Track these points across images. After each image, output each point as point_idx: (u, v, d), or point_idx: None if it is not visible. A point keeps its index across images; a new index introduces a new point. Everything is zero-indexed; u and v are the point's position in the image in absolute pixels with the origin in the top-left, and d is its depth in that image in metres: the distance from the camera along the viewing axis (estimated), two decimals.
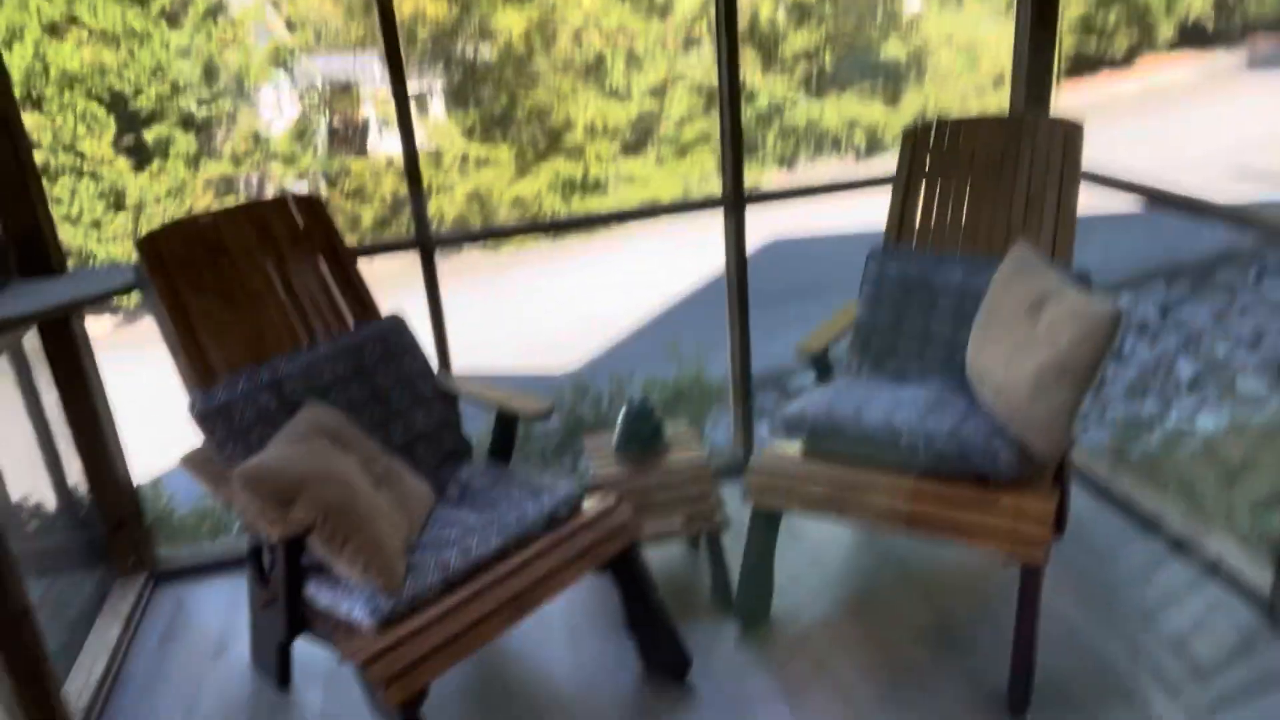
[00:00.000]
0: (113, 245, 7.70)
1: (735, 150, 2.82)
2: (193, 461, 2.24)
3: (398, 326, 2.55)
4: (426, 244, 2.75)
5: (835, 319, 2.71)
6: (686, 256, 7.65)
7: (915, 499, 2.14)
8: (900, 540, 2.77)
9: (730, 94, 2.75)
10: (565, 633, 2.53)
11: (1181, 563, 2.52)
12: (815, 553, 2.75)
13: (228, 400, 2.21)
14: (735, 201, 2.86)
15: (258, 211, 2.49)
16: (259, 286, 2.43)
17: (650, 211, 3.03)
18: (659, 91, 9.33)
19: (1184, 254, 5.77)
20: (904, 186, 2.73)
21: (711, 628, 2.48)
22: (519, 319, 6.79)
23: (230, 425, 2.19)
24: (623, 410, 2.74)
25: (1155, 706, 2.08)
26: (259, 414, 2.24)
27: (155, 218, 8.01)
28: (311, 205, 2.58)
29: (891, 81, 9.50)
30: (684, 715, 2.21)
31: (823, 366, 2.62)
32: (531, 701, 2.31)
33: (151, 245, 2.29)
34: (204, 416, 2.18)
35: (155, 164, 8.36)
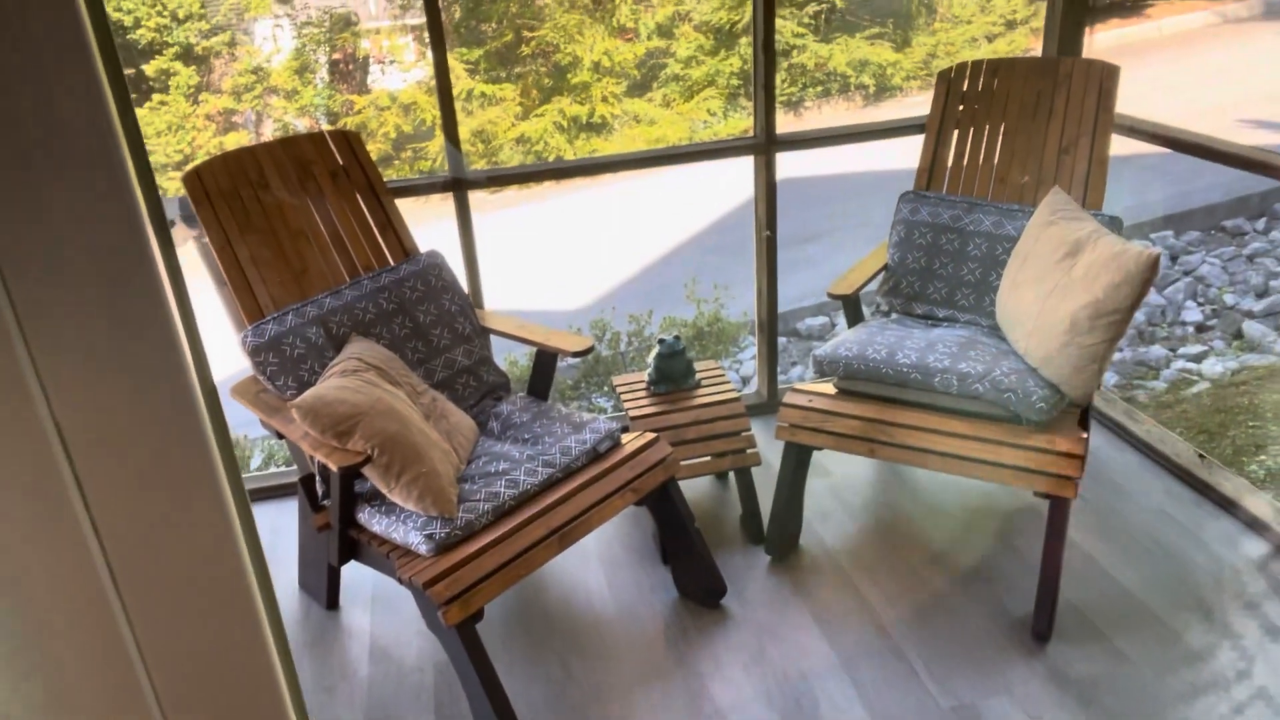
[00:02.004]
0: None
1: (768, 95, 2.82)
2: (243, 392, 2.29)
3: (437, 264, 2.58)
4: (462, 183, 2.77)
5: (865, 261, 2.76)
6: (694, 196, 7.63)
7: (949, 438, 2.21)
8: (920, 476, 2.86)
9: (765, 40, 2.74)
10: (601, 562, 2.62)
11: (1194, 499, 2.62)
12: (841, 488, 2.84)
13: (278, 334, 2.26)
14: (767, 146, 2.88)
15: (296, 146, 2.51)
16: (301, 223, 2.46)
17: (684, 155, 3.04)
18: (666, 32, 9.18)
19: (1193, 200, 5.79)
20: (937, 130, 2.75)
21: (742, 558, 2.58)
22: (525, 256, 6.79)
23: (281, 359, 2.24)
24: (655, 350, 2.79)
25: (1173, 635, 2.19)
26: (308, 348, 2.29)
27: (157, 152, 7.91)
28: (348, 140, 2.59)
29: (902, 24, 9.37)
30: (719, 637, 2.31)
31: (853, 309, 2.67)
32: (572, 625, 2.40)
33: (197, 179, 2.32)
34: (256, 350, 2.23)
35: (156, 98, 8.24)
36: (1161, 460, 2.77)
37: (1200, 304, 4.74)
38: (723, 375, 2.84)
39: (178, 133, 8.33)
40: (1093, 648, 2.16)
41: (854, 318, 2.68)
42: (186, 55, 8.43)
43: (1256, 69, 8.52)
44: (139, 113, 8.04)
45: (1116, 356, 4.37)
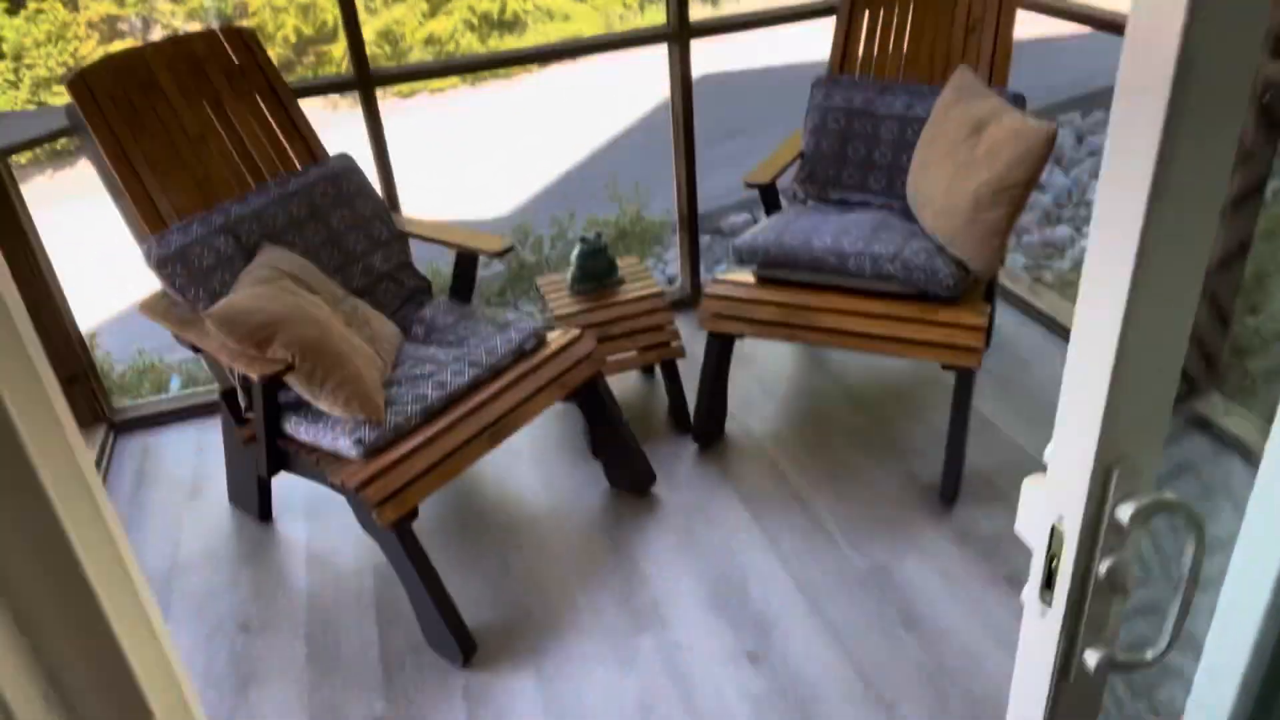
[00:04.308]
0: None
1: None
2: (152, 308, 2.23)
3: (348, 166, 2.52)
4: (367, 82, 2.68)
5: (781, 150, 2.77)
6: (612, 97, 7.49)
7: (861, 318, 2.29)
8: (841, 359, 2.96)
9: None
10: (533, 460, 2.67)
11: None
12: (764, 375, 2.93)
13: (184, 245, 2.19)
14: (680, 33, 2.83)
15: (187, 45, 2.38)
16: (199, 128, 2.36)
17: (596, 45, 2.97)
18: None
19: (1099, 80, 5.92)
20: (847, 14, 2.74)
21: (670, 448, 2.66)
22: (443, 163, 6.63)
23: (190, 270, 2.18)
24: (577, 248, 2.79)
25: None
26: (217, 258, 2.22)
27: (38, 65, 7.38)
28: (244, 39, 2.47)
29: None
30: (651, 523, 2.40)
31: (770, 198, 2.70)
32: (507, 521, 2.47)
33: (83, 84, 2.19)
34: (161, 262, 2.16)
35: (31, 5, 7.64)
36: (1062, 332, 2.91)
37: None
38: (645, 271, 2.86)
39: (59, 43, 7.76)
40: (995, 507, 2.32)
41: (771, 207, 2.71)
42: None
43: None
44: (13, 23, 7.44)
45: (1025, 239, 4.52)
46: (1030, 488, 0.76)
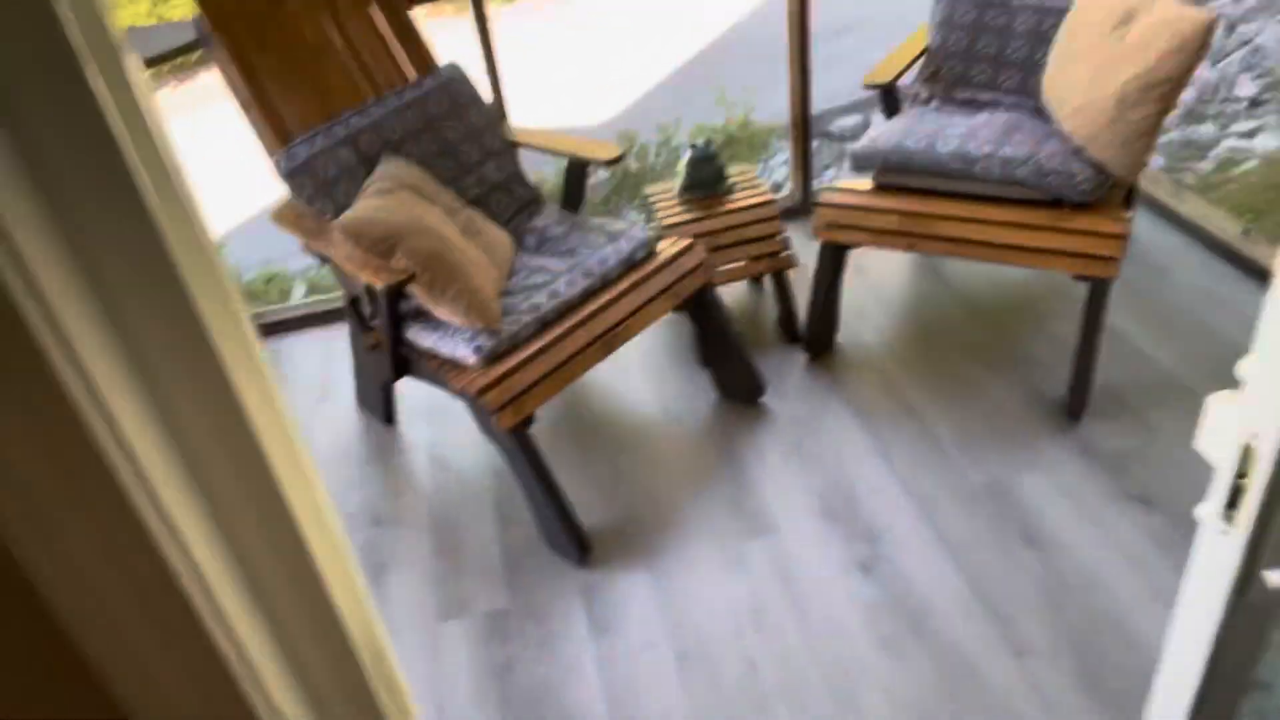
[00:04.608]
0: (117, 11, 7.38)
1: None
2: (283, 217, 2.31)
3: (459, 77, 2.52)
4: None
5: (903, 48, 2.63)
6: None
7: (989, 226, 2.19)
8: (956, 270, 2.86)
9: None
10: (643, 370, 2.70)
11: (1237, 276, 2.60)
12: (877, 286, 2.85)
13: (310, 156, 2.25)
14: None
15: None
16: (318, 40, 2.39)
17: None
18: None
19: None
20: None
21: (780, 358, 2.64)
22: (543, 69, 6.57)
23: (316, 181, 2.25)
24: (686, 156, 2.75)
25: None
26: (340, 169, 2.28)
27: None
28: None
29: None
30: (761, 432, 2.41)
31: (891, 99, 2.58)
32: (619, 430, 2.52)
33: None
34: (292, 174, 2.23)
35: None
36: (1205, 239, 2.73)
37: (1257, 77, 4.49)
38: (756, 179, 2.80)
39: None
40: (1125, 422, 2.23)
41: (891, 109, 2.59)
42: None
43: None
44: None
45: (1163, 139, 4.21)
46: (1219, 405, 0.72)
